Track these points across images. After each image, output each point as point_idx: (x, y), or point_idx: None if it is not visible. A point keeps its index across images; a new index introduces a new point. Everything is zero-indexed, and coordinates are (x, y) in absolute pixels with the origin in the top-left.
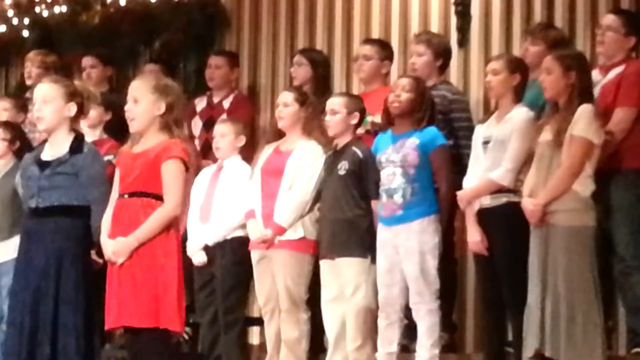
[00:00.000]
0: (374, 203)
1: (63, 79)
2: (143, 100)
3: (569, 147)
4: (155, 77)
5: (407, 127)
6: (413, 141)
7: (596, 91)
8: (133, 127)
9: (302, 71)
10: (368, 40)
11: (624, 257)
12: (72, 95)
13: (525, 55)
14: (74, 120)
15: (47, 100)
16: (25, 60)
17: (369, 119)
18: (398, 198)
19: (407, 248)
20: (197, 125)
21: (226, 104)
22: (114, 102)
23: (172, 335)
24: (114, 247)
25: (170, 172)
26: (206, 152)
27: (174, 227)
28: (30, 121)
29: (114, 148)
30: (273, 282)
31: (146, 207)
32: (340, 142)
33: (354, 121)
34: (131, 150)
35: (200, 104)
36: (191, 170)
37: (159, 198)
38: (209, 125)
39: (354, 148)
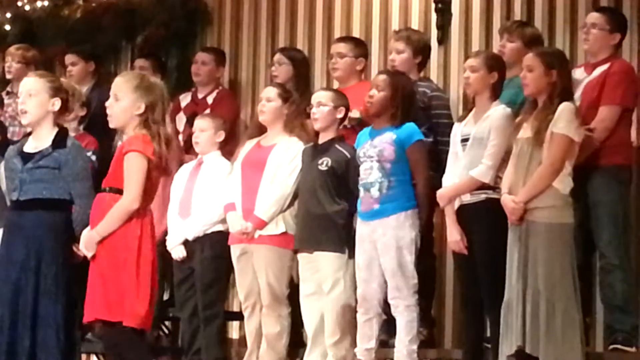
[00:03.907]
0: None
1: (49, 73)
2: (123, 98)
3: (549, 145)
4: (138, 76)
5: (384, 123)
6: (390, 136)
7: (580, 89)
8: (111, 123)
9: (283, 70)
10: (342, 38)
11: (605, 254)
12: (57, 90)
13: (503, 52)
14: (58, 115)
15: (32, 94)
16: (5, 54)
17: None
18: (375, 192)
19: (384, 243)
20: (181, 120)
21: (210, 99)
22: (89, 98)
23: (147, 329)
24: (83, 240)
25: (129, 165)
26: (189, 147)
27: (136, 220)
28: (10, 115)
29: (92, 144)
30: (254, 277)
31: (112, 201)
32: (324, 137)
33: (340, 115)
34: None
35: (185, 99)
36: (171, 168)
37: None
38: (192, 120)
39: (339, 147)
